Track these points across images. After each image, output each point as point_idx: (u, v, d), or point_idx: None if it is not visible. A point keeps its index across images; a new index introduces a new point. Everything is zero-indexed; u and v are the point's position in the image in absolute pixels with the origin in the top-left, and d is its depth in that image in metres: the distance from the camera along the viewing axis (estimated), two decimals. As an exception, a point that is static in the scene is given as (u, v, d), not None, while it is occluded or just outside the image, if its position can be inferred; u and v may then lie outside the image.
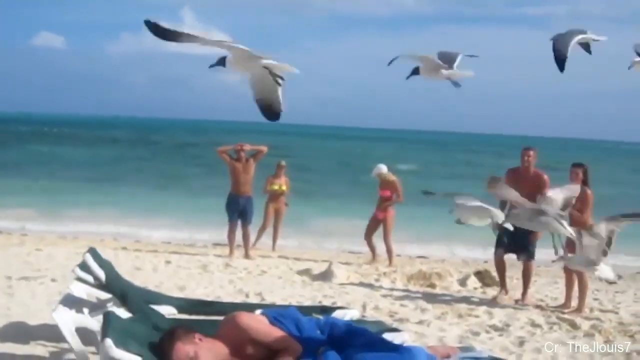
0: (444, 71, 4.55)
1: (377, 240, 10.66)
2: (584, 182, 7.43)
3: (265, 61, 3.83)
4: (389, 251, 10.46)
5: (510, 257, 8.07)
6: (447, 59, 4.62)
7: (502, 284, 8.03)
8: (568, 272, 7.54)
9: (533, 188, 7.08)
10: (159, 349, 3.57)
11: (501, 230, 7.42)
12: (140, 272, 8.35)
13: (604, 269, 6.60)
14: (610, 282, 6.98)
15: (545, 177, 7.72)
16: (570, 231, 6.26)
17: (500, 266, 8.02)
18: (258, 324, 3.69)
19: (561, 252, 6.45)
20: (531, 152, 7.85)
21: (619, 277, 6.96)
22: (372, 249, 10.68)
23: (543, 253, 7.63)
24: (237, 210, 10.39)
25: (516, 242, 7.70)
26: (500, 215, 6.63)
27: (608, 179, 25.43)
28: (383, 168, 10.53)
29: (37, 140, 48.68)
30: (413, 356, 3.51)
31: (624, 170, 40.73)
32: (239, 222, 10.45)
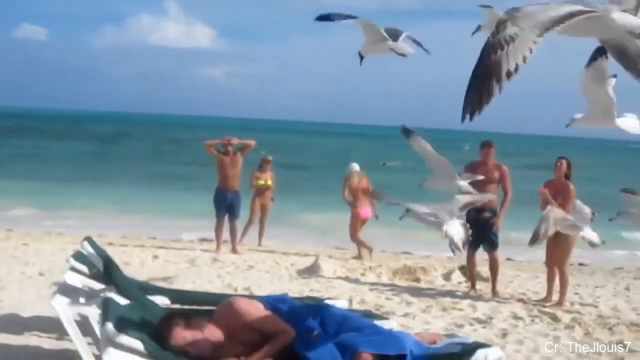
0: (389, 43, 4.79)
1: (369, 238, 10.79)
2: (567, 176, 7.64)
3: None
4: (361, 245, 10.58)
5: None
6: (392, 34, 5.04)
7: (471, 281, 8.29)
8: (549, 267, 7.73)
9: (492, 180, 7.76)
10: (157, 334, 3.66)
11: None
12: (129, 267, 8.35)
13: (589, 233, 6.97)
14: (594, 246, 7.37)
15: (504, 167, 8.01)
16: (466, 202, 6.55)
17: (470, 264, 8.29)
18: (253, 309, 3.79)
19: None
20: (491, 150, 8.08)
21: (603, 242, 7.40)
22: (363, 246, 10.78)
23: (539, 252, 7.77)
24: (225, 204, 10.35)
25: (479, 235, 7.95)
26: (448, 222, 6.88)
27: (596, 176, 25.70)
28: (354, 166, 10.72)
29: (21, 135, 48.21)
30: (401, 340, 3.66)
31: (613, 168, 41.15)
32: (227, 217, 10.45)
